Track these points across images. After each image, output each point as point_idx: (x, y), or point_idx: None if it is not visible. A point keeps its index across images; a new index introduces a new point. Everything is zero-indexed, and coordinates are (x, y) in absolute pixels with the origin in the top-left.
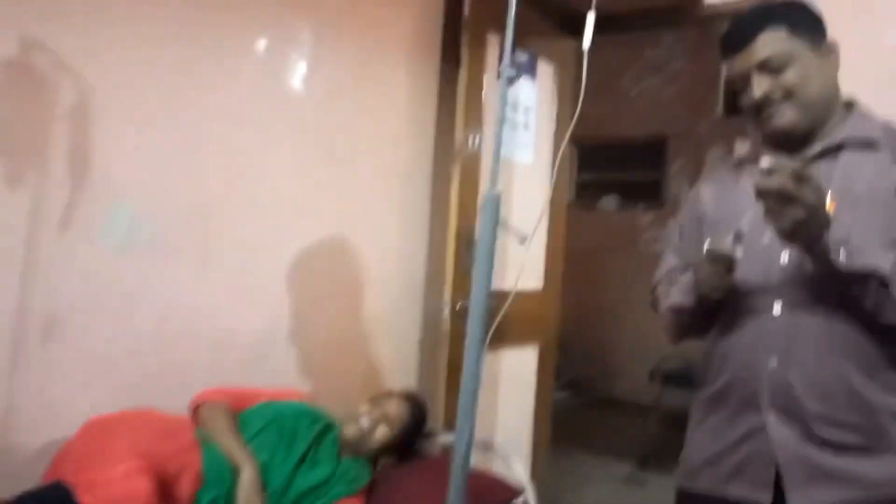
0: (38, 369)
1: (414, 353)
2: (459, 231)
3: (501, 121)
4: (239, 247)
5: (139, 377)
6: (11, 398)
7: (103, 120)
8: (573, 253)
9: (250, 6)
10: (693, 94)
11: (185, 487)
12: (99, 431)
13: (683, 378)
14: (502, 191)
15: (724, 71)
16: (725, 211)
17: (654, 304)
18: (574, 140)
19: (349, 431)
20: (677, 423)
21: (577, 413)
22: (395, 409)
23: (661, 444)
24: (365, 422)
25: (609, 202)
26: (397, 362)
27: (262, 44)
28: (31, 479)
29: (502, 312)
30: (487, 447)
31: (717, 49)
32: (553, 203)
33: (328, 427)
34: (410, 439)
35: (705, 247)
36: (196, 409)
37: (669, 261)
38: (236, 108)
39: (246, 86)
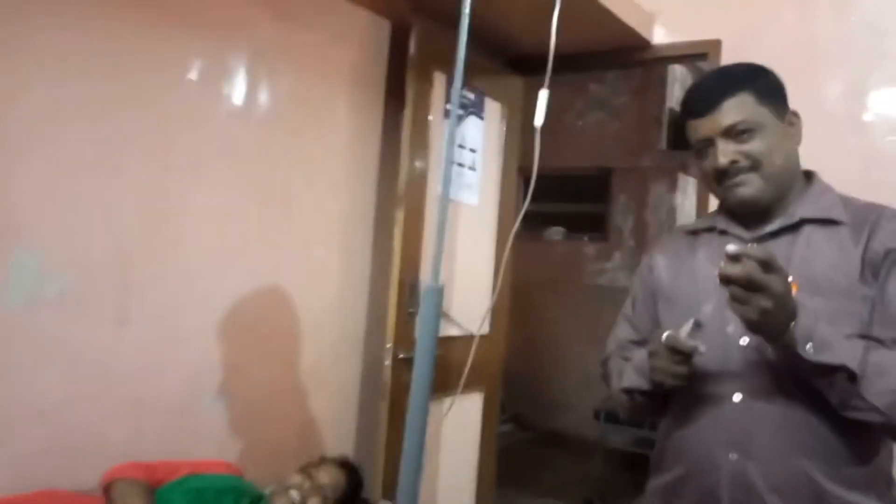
0: None
1: (353, 408)
2: (402, 278)
3: (450, 163)
4: (160, 298)
5: (42, 448)
6: None
7: (8, 157)
8: (517, 285)
9: (178, 36)
10: (637, 129)
11: None
12: None
13: (618, 418)
14: (448, 235)
15: (689, 134)
16: (681, 285)
17: (606, 379)
18: (520, 171)
19: None
20: (621, 463)
21: (520, 448)
22: (329, 479)
23: (603, 485)
24: (295, 495)
25: (554, 233)
26: (335, 418)
27: (191, 75)
28: None
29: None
30: None
31: (662, 92)
32: (499, 244)
33: (255, 503)
34: None
35: (663, 338)
36: (108, 488)
37: (623, 332)
38: (162, 146)
39: (173, 121)
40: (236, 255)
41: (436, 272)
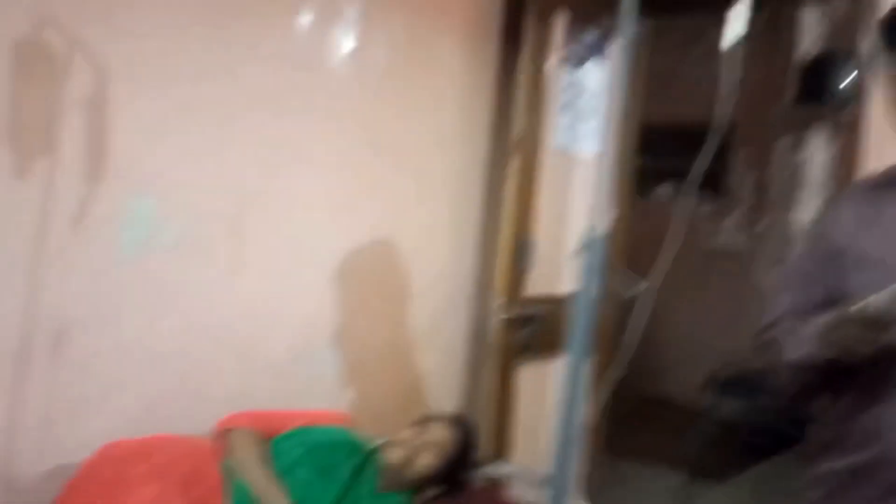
0: (44, 386)
1: (458, 367)
2: (514, 234)
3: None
4: (273, 248)
5: (155, 396)
6: (14, 419)
7: (124, 106)
8: (624, 243)
9: None
10: (762, 79)
11: None
12: (115, 466)
13: (742, 387)
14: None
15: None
16: (876, 244)
17: (768, 351)
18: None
19: (390, 459)
20: (730, 434)
21: (625, 415)
22: (441, 436)
23: (710, 456)
24: (406, 449)
25: (666, 191)
26: (441, 376)
27: (302, 23)
28: None
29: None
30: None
31: (792, 39)
32: (618, 198)
33: (368, 458)
34: (456, 470)
35: (862, 306)
36: (223, 436)
37: (785, 303)
38: (274, 94)
39: (285, 69)
40: (347, 207)
41: (597, 221)
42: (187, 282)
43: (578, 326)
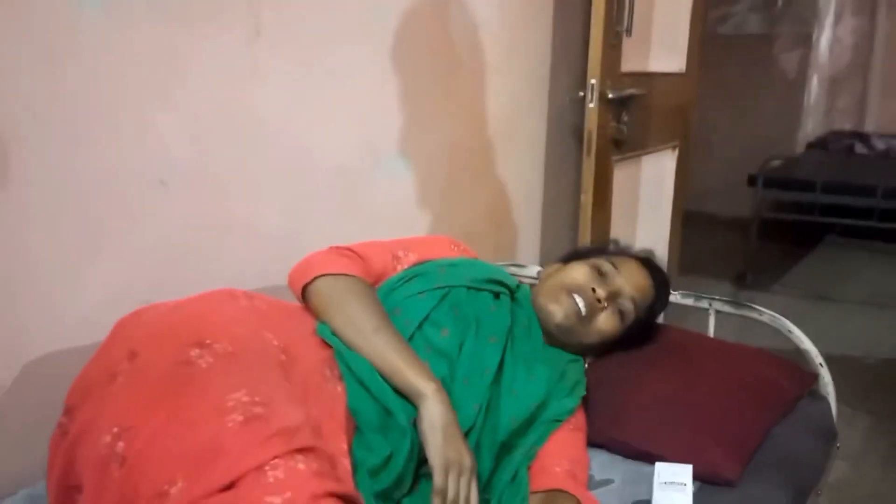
0: None
1: (540, 167)
2: None
3: None
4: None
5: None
6: None
7: None
8: None
9: None
10: None
11: (331, 444)
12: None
13: (786, 182)
14: None
15: None
16: None
17: None
18: None
19: (555, 317)
20: (776, 234)
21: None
22: (633, 286)
23: (758, 257)
24: (581, 304)
25: None
26: (524, 180)
27: None
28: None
29: None
30: None
31: None
32: None
33: (520, 300)
34: (641, 334)
35: None
36: (308, 288)
37: None
38: None
39: None
40: None
41: None
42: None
43: None
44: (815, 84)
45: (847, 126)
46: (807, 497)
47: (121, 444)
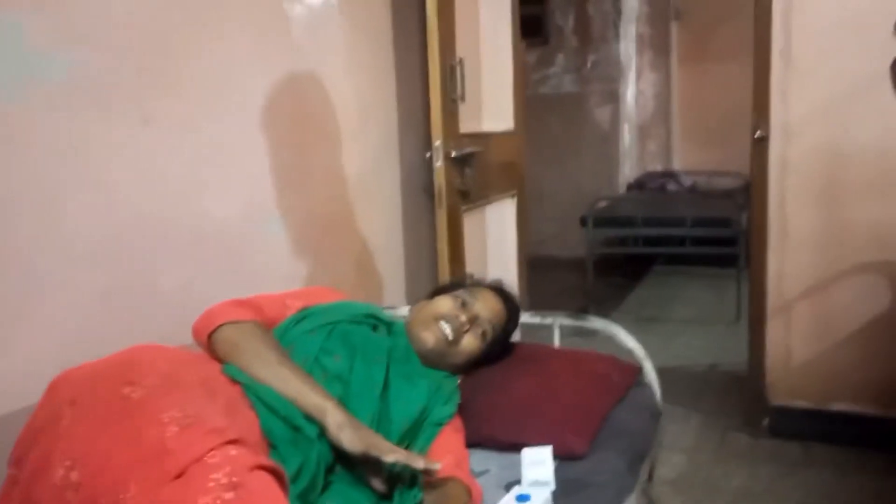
0: None
1: (398, 219)
2: (443, 59)
3: None
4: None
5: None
6: None
7: None
8: None
9: None
10: None
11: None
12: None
13: (611, 220)
14: None
15: None
16: None
17: None
18: None
19: (428, 343)
20: (609, 270)
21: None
22: (488, 311)
23: (597, 292)
24: (447, 329)
25: None
26: (385, 229)
27: None
28: None
29: None
30: None
31: None
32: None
33: (395, 332)
34: (501, 351)
35: None
36: (214, 336)
37: None
38: None
39: None
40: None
41: None
42: (87, 138)
43: None
44: (626, 132)
45: (658, 167)
46: (642, 462)
47: (74, 474)
